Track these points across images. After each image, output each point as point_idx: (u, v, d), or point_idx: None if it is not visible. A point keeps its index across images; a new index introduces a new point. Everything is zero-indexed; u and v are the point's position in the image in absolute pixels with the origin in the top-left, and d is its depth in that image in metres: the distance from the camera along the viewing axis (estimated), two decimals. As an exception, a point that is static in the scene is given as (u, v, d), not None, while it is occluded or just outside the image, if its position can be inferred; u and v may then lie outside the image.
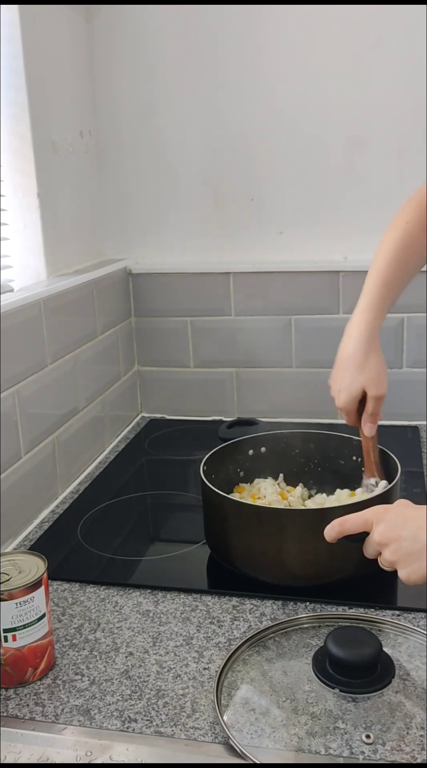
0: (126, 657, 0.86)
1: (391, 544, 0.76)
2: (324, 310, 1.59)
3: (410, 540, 0.75)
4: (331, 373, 1.09)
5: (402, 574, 0.76)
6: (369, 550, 0.80)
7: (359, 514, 0.81)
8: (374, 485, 1.07)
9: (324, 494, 1.16)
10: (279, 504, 1.11)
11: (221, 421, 1.63)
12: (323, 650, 0.80)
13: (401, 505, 0.81)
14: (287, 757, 0.69)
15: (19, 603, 0.80)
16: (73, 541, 1.16)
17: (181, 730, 0.74)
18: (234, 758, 0.70)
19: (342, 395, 1.06)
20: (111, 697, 0.80)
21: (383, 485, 1.05)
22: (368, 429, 1.07)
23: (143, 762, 0.71)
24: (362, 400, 1.06)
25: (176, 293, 1.66)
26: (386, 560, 0.77)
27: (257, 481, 1.19)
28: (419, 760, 0.68)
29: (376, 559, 0.80)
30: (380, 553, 0.79)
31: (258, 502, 1.10)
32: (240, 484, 1.18)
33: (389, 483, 1.02)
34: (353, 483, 1.16)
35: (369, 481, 1.08)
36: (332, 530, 0.82)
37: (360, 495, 1.09)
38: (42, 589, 0.82)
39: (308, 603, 0.95)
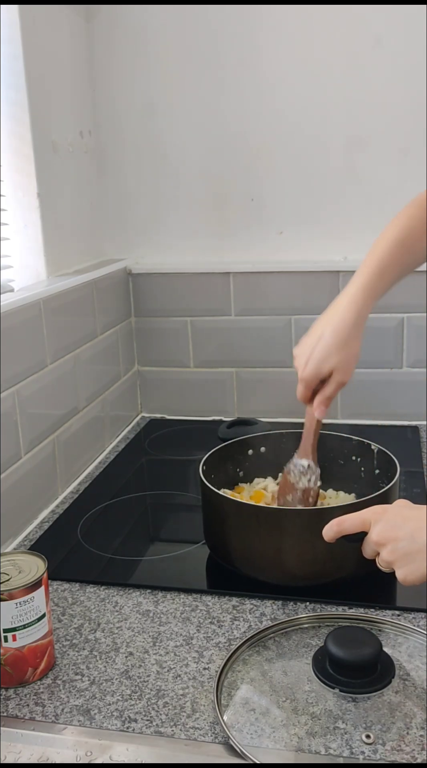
0: (126, 657, 0.86)
1: (388, 544, 0.76)
2: (324, 310, 1.58)
3: (407, 540, 0.75)
4: (301, 341, 1.05)
5: (400, 574, 0.75)
6: (367, 550, 0.80)
7: (357, 513, 0.81)
8: (306, 467, 1.06)
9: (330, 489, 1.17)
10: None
11: (221, 421, 1.63)
12: (323, 650, 0.80)
13: (400, 506, 0.81)
14: (287, 757, 0.69)
15: (19, 603, 0.80)
16: (73, 541, 1.17)
17: (181, 730, 0.74)
18: (234, 758, 0.70)
19: (310, 367, 1.02)
20: (111, 697, 0.80)
21: (313, 470, 1.06)
22: (320, 412, 1.05)
23: (143, 762, 0.71)
24: (323, 380, 1.04)
25: (176, 293, 1.66)
26: (383, 560, 0.77)
27: (256, 480, 1.19)
28: (419, 760, 0.68)
29: (375, 560, 0.80)
30: (378, 554, 0.79)
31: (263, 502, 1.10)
32: (240, 484, 1.18)
33: (388, 483, 1.01)
34: (353, 483, 1.16)
35: (301, 461, 1.07)
36: (330, 530, 0.82)
37: (289, 472, 1.08)
38: (42, 589, 0.82)
39: (308, 603, 0.95)
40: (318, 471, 1.08)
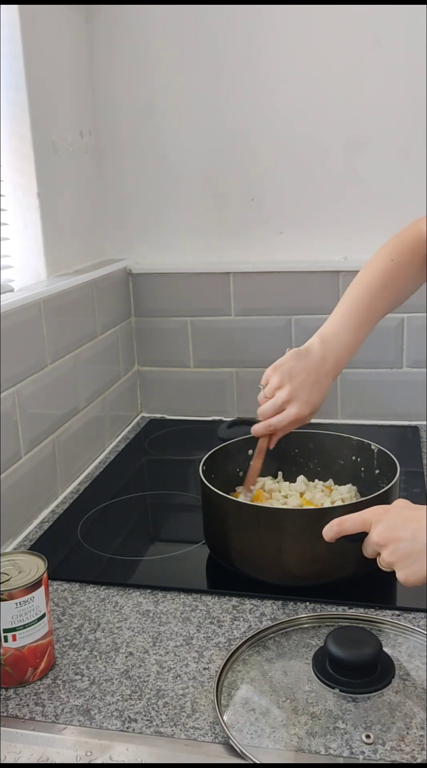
0: (126, 657, 0.86)
1: (389, 544, 0.76)
2: (324, 310, 1.56)
3: (408, 541, 0.75)
4: (285, 370, 1.04)
5: (401, 575, 0.75)
6: (368, 550, 0.80)
7: (358, 514, 0.81)
8: (252, 493, 1.10)
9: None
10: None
11: (221, 421, 1.63)
12: (323, 650, 0.80)
13: (401, 506, 0.81)
14: (287, 757, 0.69)
15: (19, 603, 0.80)
16: (73, 541, 1.16)
17: (181, 730, 0.74)
18: (234, 758, 0.70)
19: (307, 408, 1.03)
20: (111, 697, 0.80)
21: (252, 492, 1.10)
22: (274, 444, 1.08)
23: (143, 762, 0.71)
24: None
25: (176, 293, 1.66)
26: (384, 561, 0.77)
27: (259, 480, 1.19)
28: (419, 760, 0.68)
29: (375, 559, 0.80)
30: (378, 554, 0.79)
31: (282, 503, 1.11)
32: (237, 489, 1.18)
33: (388, 484, 1.02)
34: (353, 483, 1.16)
35: (254, 492, 1.11)
36: (331, 530, 0.82)
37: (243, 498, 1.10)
38: (42, 589, 0.82)
39: (308, 603, 0.95)
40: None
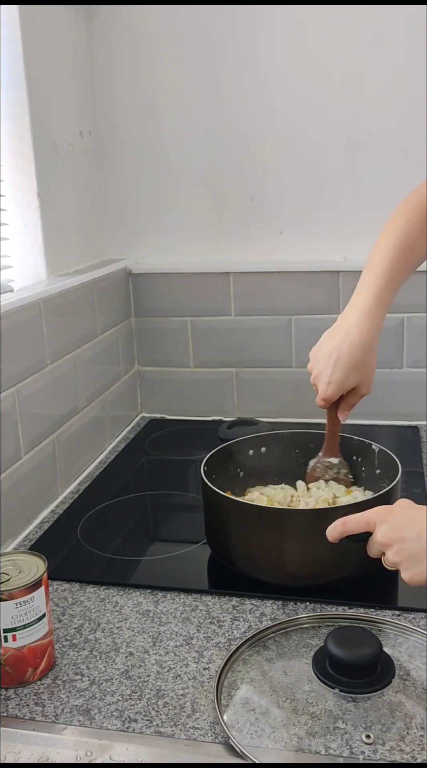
0: (126, 657, 0.86)
1: (394, 545, 0.76)
2: (324, 310, 1.59)
3: (413, 541, 0.75)
4: (313, 356, 1.07)
5: (405, 575, 0.75)
6: (373, 550, 0.80)
7: (362, 514, 0.81)
8: (336, 463, 1.13)
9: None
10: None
11: (221, 421, 1.63)
12: (323, 650, 0.80)
13: (405, 506, 0.81)
14: (287, 757, 0.69)
15: (19, 603, 0.80)
16: (73, 541, 1.16)
17: (181, 730, 0.74)
18: (234, 758, 0.70)
19: (331, 388, 1.04)
20: (111, 697, 0.80)
21: (343, 464, 1.14)
22: (344, 416, 1.09)
23: (143, 762, 0.71)
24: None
25: (176, 293, 1.66)
26: (389, 561, 0.77)
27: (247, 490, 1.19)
28: (419, 760, 0.68)
29: (379, 559, 0.80)
30: (383, 553, 0.79)
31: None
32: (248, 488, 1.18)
33: (389, 484, 1.02)
34: (353, 482, 1.16)
35: (330, 459, 1.13)
36: (335, 530, 0.82)
37: (315, 469, 1.14)
38: (42, 589, 0.82)
39: (308, 603, 0.95)
40: (347, 464, 1.14)
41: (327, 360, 1.04)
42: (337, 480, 1.13)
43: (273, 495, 1.13)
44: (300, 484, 1.15)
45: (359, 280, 1.07)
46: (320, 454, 1.14)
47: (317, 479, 1.14)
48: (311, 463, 1.15)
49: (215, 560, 1.07)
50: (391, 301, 1.06)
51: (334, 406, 1.09)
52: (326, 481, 1.13)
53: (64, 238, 1.48)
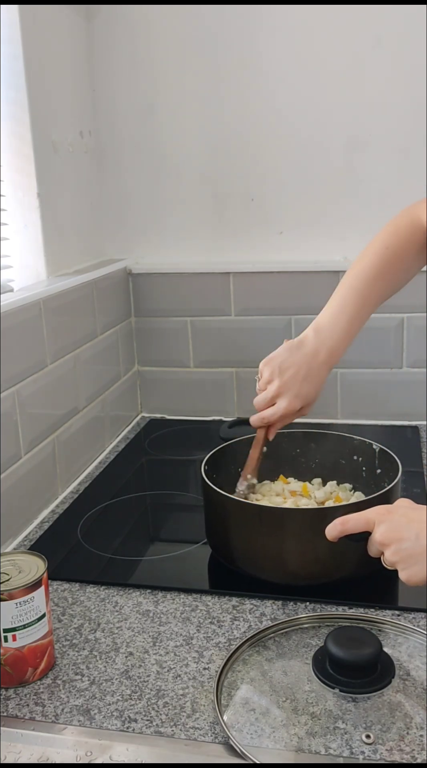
0: (126, 657, 0.86)
1: (392, 545, 0.76)
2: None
3: (411, 541, 0.75)
4: (275, 365, 1.04)
5: (403, 575, 0.76)
6: (372, 550, 0.80)
7: (361, 513, 0.81)
8: (253, 485, 1.10)
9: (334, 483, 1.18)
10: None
11: (221, 421, 1.63)
12: (323, 650, 0.80)
13: (404, 506, 0.81)
14: (287, 757, 0.69)
15: (19, 603, 0.80)
16: (73, 541, 1.16)
17: (181, 730, 0.74)
18: (234, 758, 0.70)
19: (298, 402, 1.02)
20: (111, 697, 0.80)
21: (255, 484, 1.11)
22: (273, 435, 1.08)
23: (143, 762, 0.71)
24: None
25: (176, 293, 1.66)
26: (387, 561, 0.78)
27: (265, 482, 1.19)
28: (419, 760, 0.68)
29: (379, 559, 0.80)
30: (382, 553, 0.79)
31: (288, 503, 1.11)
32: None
33: (390, 483, 1.02)
34: (354, 482, 1.16)
35: (252, 481, 1.10)
36: (334, 529, 0.82)
37: (238, 496, 1.09)
38: (42, 589, 0.82)
39: (308, 603, 0.95)
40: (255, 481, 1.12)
41: (296, 372, 1.02)
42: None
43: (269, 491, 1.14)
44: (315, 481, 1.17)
45: (331, 297, 1.07)
46: (249, 476, 1.10)
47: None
48: (240, 488, 1.09)
49: (215, 560, 1.07)
50: (361, 327, 1.06)
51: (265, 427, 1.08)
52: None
53: (64, 238, 1.48)
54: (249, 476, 1.10)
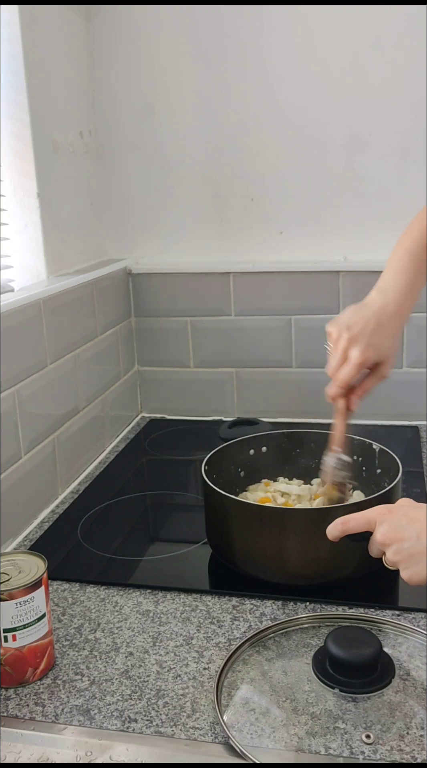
0: (126, 657, 0.86)
1: (393, 544, 0.76)
2: (324, 310, 1.59)
3: (412, 541, 0.75)
4: (343, 322, 0.99)
5: (404, 574, 0.76)
6: (374, 550, 0.80)
7: (362, 513, 0.81)
8: (348, 461, 1.02)
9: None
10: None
11: (221, 421, 1.63)
12: (323, 650, 0.80)
13: (405, 506, 0.81)
14: (287, 757, 0.69)
15: (19, 603, 0.80)
16: (73, 541, 1.16)
17: (181, 730, 0.74)
18: (234, 758, 0.70)
19: (370, 351, 0.96)
20: (111, 697, 0.80)
21: (350, 464, 1.03)
22: (357, 404, 1.01)
23: (143, 762, 0.71)
24: None
25: (176, 293, 1.66)
26: (388, 560, 0.77)
27: (263, 481, 1.19)
28: (419, 760, 0.68)
29: (379, 559, 0.80)
30: (384, 553, 0.79)
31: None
32: (248, 487, 1.18)
33: (390, 483, 1.02)
34: (354, 482, 1.16)
35: (342, 456, 1.03)
36: (335, 529, 0.82)
37: (327, 470, 1.03)
38: (42, 589, 0.82)
39: (308, 603, 0.95)
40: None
41: (365, 324, 0.97)
42: (341, 486, 1.04)
43: (290, 490, 1.13)
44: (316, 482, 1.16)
45: (388, 262, 1.05)
46: (338, 449, 1.03)
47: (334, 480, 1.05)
48: (330, 462, 1.03)
49: (215, 560, 1.07)
50: (421, 288, 1.03)
51: (342, 396, 1.00)
52: (336, 484, 1.04)
53: (64, 238, 1.48)
54: (337, 449, 1.02)
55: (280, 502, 1.13)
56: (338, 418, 1.02)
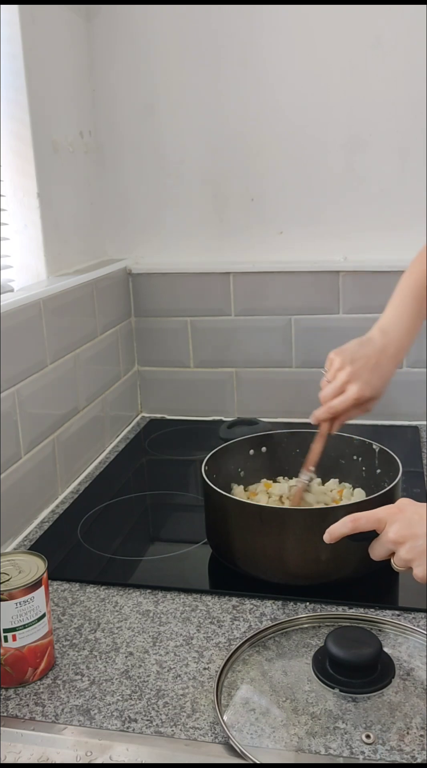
0: (126, 657, 0.86)
1: (407, 542, 0.76)
2: (324, 310, 1.59)
3: (426, 538, 0.75)
4: (346, 355, 1.05)
5: (418, 572, 0.75)
6: (378, 551, 0.79)
7: (372, 512, 0.80)
8: (311, 479, 1.11)
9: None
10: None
11: (221, 421, 1.63)
12: (323, 650, 0.80)
13: (413, 505, 0.80)
14: (287, 757, 0.69)
15: (19, 603, 0.80)
16: (73, 541, 1.16)
17: (181, 730, 0.74)
18: (234, 758, 0.70)
19: (368, 390, 1.03)
20: (111, 697, 0.80)
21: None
22: (337, 429, 1.09)
23: (143, 762, 0.71)
24: None
25: (176, 293, 1.66)
26: (401, 559, 0.76)
27: (263, 481, 1.19)
28: (419, 760, 0.68)
29: (377, 559, 0.80)
30: (391, 553, 0.78)
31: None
32: (248, 486, 1.18)
33: (390, 483, 1.02)
34: (354, 482, 1.16)
35: (311, 474, 1.10)
36: (344, 526, 0.81)
37: (295, 484, 1.11)
38: (42, 589, 0.82)
39: (308, 603, 0.95)
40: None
41: (366, 362, 1.04)
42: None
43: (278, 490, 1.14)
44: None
45: (391, 299, 1.10)
46: (312, 468, 1.10)
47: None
48: (303, 479, 1.10)
49: (215, 560, 1.07)
50: (421, 325, 1.09)
51: (327, 421, 1.08)
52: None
53: (64, 238, 1.48)
54: (311, 468, 1.10)
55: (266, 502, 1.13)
56: (317, 439, 1.09)
